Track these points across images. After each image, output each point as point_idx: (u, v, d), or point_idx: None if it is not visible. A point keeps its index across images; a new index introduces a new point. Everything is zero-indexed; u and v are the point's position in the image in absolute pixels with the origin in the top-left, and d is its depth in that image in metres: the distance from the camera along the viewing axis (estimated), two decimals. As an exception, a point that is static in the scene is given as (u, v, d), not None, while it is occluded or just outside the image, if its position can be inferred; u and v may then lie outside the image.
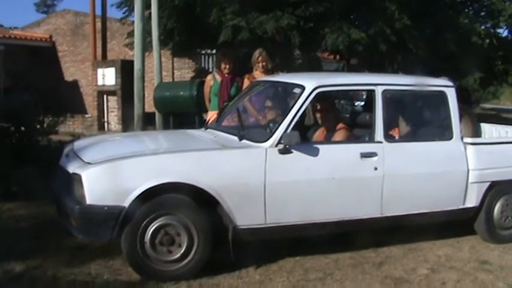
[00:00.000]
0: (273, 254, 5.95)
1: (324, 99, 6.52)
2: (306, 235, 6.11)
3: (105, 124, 21.07)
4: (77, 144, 6.60)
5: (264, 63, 8.75)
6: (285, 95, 6.83)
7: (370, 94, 6.42)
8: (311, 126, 7.08)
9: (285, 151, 5.73)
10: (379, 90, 6.33)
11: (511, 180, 6.82)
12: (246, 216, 5.63)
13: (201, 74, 19.89)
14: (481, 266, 6.11)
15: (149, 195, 5.29)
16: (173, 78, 22.82)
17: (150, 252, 5.40)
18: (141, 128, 16.86)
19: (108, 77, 20.56)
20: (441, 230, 6.72)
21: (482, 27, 22.04)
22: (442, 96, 6.68)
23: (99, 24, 23.12)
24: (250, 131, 6.26)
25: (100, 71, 20.88)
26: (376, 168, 6.11)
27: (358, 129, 6.77)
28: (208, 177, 5.47)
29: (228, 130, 6.57)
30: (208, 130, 7.02)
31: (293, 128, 5.80)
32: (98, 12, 23.33)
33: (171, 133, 7.93)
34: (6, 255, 5.95)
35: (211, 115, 8.78)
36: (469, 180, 6.57)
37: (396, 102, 6.68)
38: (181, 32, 17.80)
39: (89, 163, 5.47)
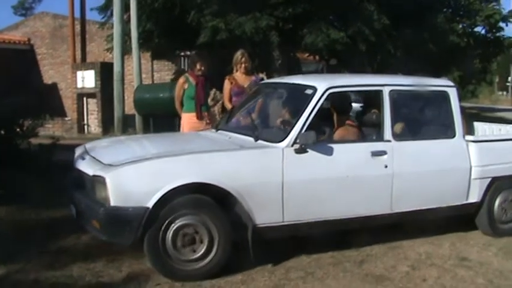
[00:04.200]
0: (255, 254, 5.97)
1: (335, 99, 6.66)
2: (320, 232, 6.20)
3: (85, 127, 21.02)
4: (90, 146, 6.61)
5: (246, 64, 8.72)
6: (296, 96, 6.86)
7: (378, 94, 6.54)
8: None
9: (301, 151, 5.83)
10: (386, 91, 6.50)
11: (511, 175, 7.04)
12: (264, 214, 5.71)
13: (180, 75, 19.85)
14: (461, 263, 6.17)
15: (171, 195, 5.32)
16: (153, 80, 22.81)
17: (172, 252, 5.43)
18: (122, 130, 16.86)
19: (87, 79, 20.52)
20: (421, 228, 6.78)
21: (460, 26, 22.27)
22: (444, 96, 6.89)
23: (78, 27, 23.04)
24: (266, 132, 6.39)
25: (79, 73, 20.84)
26: (386, 166, 6.27)
27: (366, 128, 6.91)
28: (229, 177, 5.54)
29: (241, 131, 6.64)
30: (220, 131, 7.04)
31: (307, 128, 5.89)
32: (77, 14, 23.28)
33: (185, 135, 7.94)
34: (-13, 259, 5.94)
35: (188, 117, 8.68)
36: (472, 177, 6.78)
37: (402, 101, 6.78)
38: (160, 34, 17.79)
39: (111, 165, 5.48)
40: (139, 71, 17.78)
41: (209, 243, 5.51)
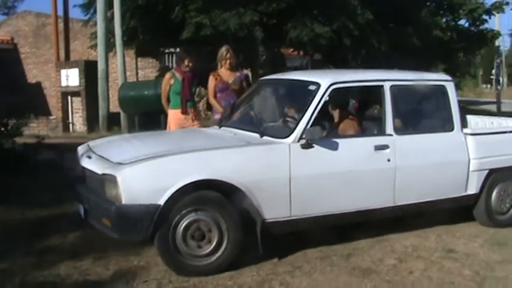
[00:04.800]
0: (241, 249, 5.97)
1: (337, 95, 6.69)
2: (326, 226, 6.26)
3: (70, 125, 20.91)
4: (94, 145, 6.59)
5: (231, 60, 8.66)
6: (299, 92, 6.89)
7: (379, 89, 6.62)
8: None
9: (307, 146, 5.90)
10: (387, 86, 6.58)
11: (507, 167, 7.16)
12: (272, 210, 5.76)
13: (165, 72, 19.81)
14: (447, 255, 6.20)
15: (182, 192, 5.35)
16: (137, 78, 22.74)
17: (182, 248, 5.45)
18: (107, 128, 16.85)
19: (71, 78, 20.38)
20: (408, 221, 6.81)
21: (444, 20, 22.33)
22: (442, 90, 7.01)
23: (61, 25, 22.94)
24: (271, 128, 6.44)
25: (63, 72, 20.67)
26: (389, 160, 6.35)
27: (367, 122, 7.01)
28: (239, 173, 5.59)
29: (245, 127, 6.65)
30: (223, 128, 7.04)
31: (312, 124, 5.96)
32: (60, 12, 23.18)
33: (189, 132, 7.89)
34: (-27, 259, 5.91)
35: (174, 113, 8.63)
36: (470, 169, 6.89)
37: (402, 96, 6.86)
38: (144, 31, 17.73)
39: (121, 163, 5.47)
40: (123, 69, 17.76)
41: (219, 238, 5.54)
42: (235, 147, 5.98)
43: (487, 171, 7.00)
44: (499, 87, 33.89)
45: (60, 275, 5.57)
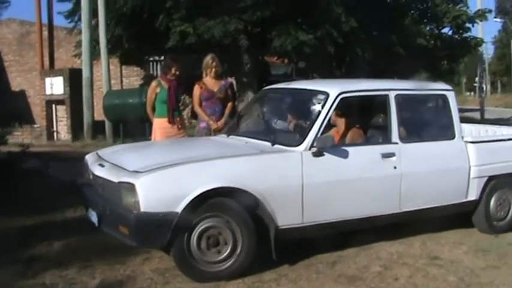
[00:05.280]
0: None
1: (345, 104, 6.75)
2: (336, 232, 6.34)
3: (55, 134, 20.81)
4: (104, 153, 6.61)
5: (216, 69, 8.64)
6: (308, 102, 6.95)
7: (384, 99, 6.75)
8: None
9: (318, 154, 6.01)
10: (392, 95, 6.71)
11: (506, 174, 7.31)
12: (285, 216, 5.85)
13: (149, 81, 19.74)
14: (432, 262, 6.23)
15: (199, 199, 5.41)
16: (122, 86, 22.70)
17: (197, 254, 5.51)
18: (91, 136, 16.81)
19: (56, 86, 20.24)
20: (392, 229, 6.83)
21: (428, 28, 22.46)
22: (443, 99, 7.18)
23: (45, 33, 22.86)
24: (282, 136, 6.53)
25: (48, 80, 20.53)
26: (395, 167, 6.48)
27: (372, 131, 7.11)
28: (254, 180, 5.68)
29: (255, 136, 6.73)
30: (232, 137, 7.09)
31: (322, 132, 6.11)
32: (44, 20, 23.11)
33: (201, 140, 7.90)
34: (-43, 268, 5.87)
35: (160, 122, 8.59)
36: (471, 176, 7.03)
37: (406, 105, 7.00)
38: (129, 39, 17.69)
39: (137, 171, 5.51)
40: (108, 77, 17.73)
41: (233, 245, 5.60)
42: (250, 155, 6.06)
43: (486, 178, 7.14)
44: (482, 95, 34.14)
45: (45, 284, 5.55)
